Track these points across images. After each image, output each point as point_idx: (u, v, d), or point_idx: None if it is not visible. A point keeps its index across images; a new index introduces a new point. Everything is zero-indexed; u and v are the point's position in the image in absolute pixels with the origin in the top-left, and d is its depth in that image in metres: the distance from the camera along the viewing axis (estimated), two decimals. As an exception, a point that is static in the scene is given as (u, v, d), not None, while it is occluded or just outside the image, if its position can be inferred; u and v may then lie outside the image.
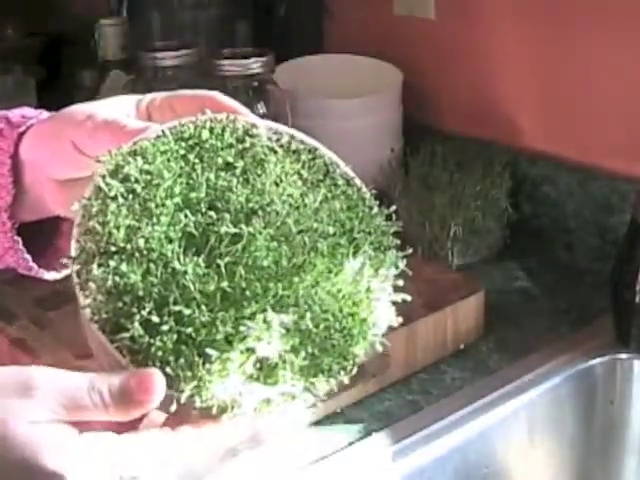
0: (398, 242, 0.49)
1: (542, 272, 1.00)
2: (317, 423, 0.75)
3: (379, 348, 0.47)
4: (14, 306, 0.87)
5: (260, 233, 0.45)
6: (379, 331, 0.47)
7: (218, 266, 0.44)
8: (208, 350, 0.42)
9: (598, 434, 0.85)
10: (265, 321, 0.43)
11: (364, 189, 0.51)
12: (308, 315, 0.44)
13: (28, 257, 0.57)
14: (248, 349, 0.43)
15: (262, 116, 1.02)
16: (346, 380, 0.46)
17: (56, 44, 1.60)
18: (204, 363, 0.43)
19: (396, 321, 0.48)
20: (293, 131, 0.52)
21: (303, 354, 0.44)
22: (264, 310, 0.44)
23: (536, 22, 1.03)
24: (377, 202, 0.51)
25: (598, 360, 0.83)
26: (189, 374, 0.43)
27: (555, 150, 1.04)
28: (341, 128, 1.12)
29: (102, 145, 0.50)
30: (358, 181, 0.51)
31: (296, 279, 0.45)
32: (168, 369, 0.43)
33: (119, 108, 0.53)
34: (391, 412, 0.76)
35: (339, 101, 1.14)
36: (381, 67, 1.19)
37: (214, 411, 0.44)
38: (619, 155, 0.98)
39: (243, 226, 0.45)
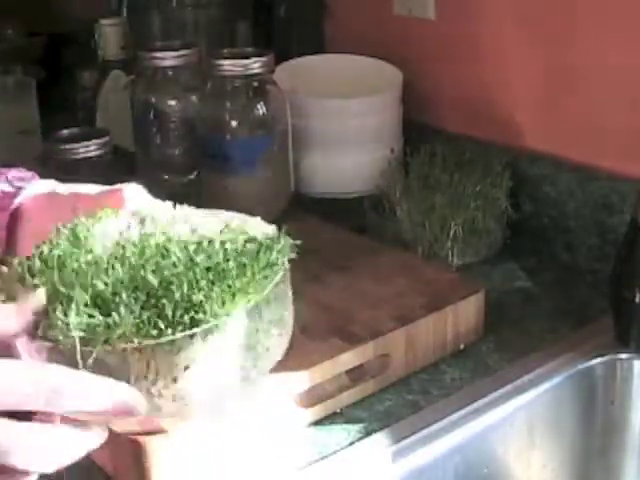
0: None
1: (542, 272, 1.00)
2: (317, 423, 0.75)
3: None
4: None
5: None
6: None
7: None
8: None
9: (598, 434, 0.85)
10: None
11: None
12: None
13: None
14: None
15: (262, 116, 1.03)
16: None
17: (56, 44, 1.60)
18: None
19: None
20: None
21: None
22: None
23: (536, 22, 1.03)
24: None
25: (598, 360, 0.83)
26: None
27: (555, 150, 1.04)
28: (341, 128, 1.12)
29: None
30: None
31: None
32: None
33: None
34: (391, 412, 0.76)
35: (339, 101, 1.14)
36: (381, 67, 1.19)
37: None
38: (619, 155, 0.98)
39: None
